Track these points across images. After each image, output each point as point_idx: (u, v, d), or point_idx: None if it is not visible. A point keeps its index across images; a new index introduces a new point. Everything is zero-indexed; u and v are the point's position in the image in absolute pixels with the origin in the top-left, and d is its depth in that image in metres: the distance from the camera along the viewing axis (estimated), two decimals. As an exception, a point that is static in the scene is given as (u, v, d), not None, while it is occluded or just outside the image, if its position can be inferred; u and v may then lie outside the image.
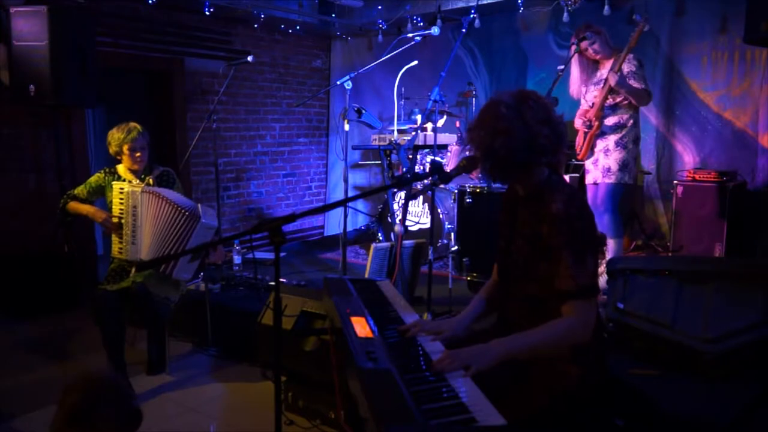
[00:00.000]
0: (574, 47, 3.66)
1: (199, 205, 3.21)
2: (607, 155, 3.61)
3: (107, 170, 3.30)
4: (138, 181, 3.25)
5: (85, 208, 3.21)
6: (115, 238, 3.23)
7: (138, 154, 3.18)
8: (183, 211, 3.11)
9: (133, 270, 3.15)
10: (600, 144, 3.64)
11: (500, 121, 1.66)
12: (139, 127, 3.20)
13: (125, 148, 3.16)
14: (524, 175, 1.75)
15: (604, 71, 3.62)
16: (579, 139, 3.74)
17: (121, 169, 3.28)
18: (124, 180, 3.25)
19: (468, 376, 1.47)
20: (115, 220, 3.17)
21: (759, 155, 4.38)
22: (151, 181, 3.26)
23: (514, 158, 1.66)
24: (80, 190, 3.27)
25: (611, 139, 3.60)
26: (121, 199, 3.18)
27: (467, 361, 1.52)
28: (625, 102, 3.57)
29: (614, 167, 3.58)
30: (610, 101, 3.57)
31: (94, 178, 3.28)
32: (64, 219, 3.30)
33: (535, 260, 1.72)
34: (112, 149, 3.20)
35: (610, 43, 3.65)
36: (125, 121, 3.22)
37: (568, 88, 3.86)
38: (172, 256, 3.13)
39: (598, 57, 3.65)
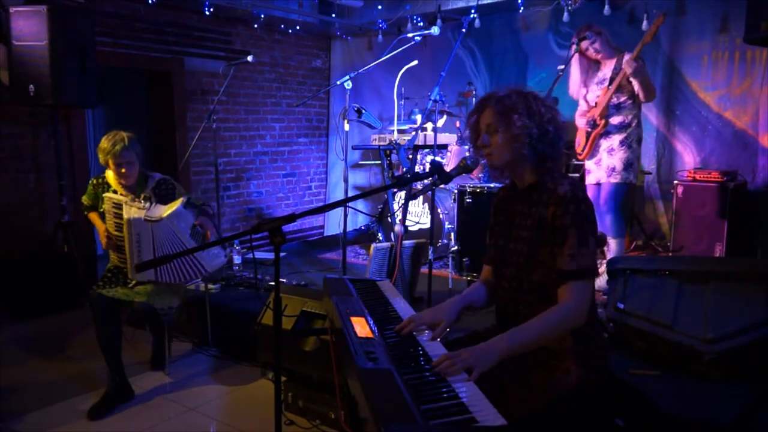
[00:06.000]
0: (574, 47, 3.66)
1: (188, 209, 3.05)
2: (611, 155, 3.61)
3: (96, 181, 3.14)
4: (132, 196, 3.01)
5: (96, 223, 3.17)
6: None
7: (123, 170, 2.93)
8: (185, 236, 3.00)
9: (134, 282, 3.06)
10: (604, 143, 3.64)
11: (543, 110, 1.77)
12: (125, 139, 2.92)
13: (110, 162, 2.94)
14: (542, 164, 1.80)
15: (606, 71, 3.62)
16: (580, 139, 3.74)
17: (110, 177, 3.05)
18: (115, 192, 3.04)
19: (472, 381, 1.45)
20: (108, 239, 3.06)
21: (759, 155, 4.38)
22: (144, 196, 3.04)
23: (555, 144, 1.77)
24: (85, 198, 3.18)
25: (616, 139, 3.60)
26: (117, 217, 3.00)
27: (469, 363, 1.50)
28: (629, 101, 3.57)
29: (619, 167, 3.58)
30: (614, 101, 3.57)
31: (90, 187, 3.15)
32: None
33: (541, 245, 1.73)
34: (101, 160, 2.98)
35: (611, 43, 3.65)
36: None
37: (568, 88, 3.86)
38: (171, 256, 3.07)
39: (598, 57, 3.65)
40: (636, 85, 3.49)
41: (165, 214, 2.94)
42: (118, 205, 2.99)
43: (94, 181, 3.15)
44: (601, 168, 3.65)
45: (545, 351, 1.72)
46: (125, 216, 2.95)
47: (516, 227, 1.84)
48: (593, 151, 3.68)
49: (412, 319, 1.80)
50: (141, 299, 3.02)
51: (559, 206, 1.68)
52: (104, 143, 2.93)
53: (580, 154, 3.77)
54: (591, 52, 3.64)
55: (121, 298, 3.00)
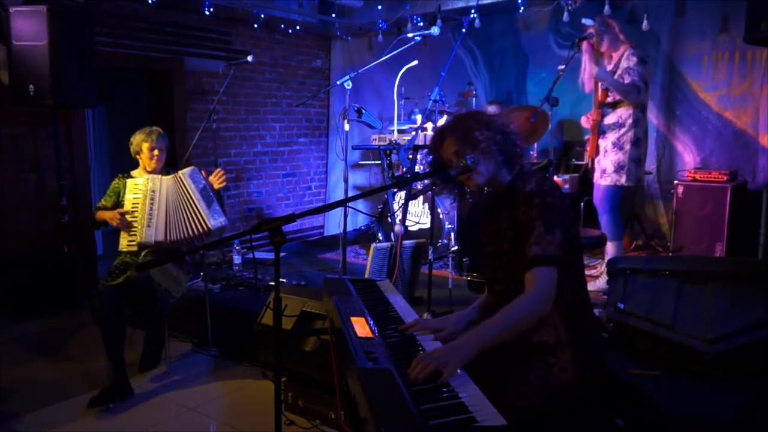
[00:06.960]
0: (574, 48, 3.65)
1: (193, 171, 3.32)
2: (605, 156, 3.60)
3: (121, 175, 3.38)
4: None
5: (106, 215, 3.23)
6: (123, 233, 3.24)
7: (156, 152, 3.29)
8: (194, 189, 3.27)
9: (143, 253, 3.20)
10: (601, 144, 3.63)
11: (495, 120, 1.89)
12: (161, 130, 3.35)
13: (144, 146, 3.27)
14: (513, 164, 1.89)
15: (609, 66, 3.60)
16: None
17: (136, 173, 3.35)
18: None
19: (454, 375, 1.45)
20: (127, 216, 3.21)
21: (759, 155, 4.39)
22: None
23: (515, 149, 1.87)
24: (104, 200, 3.32)
25: (609, 139, 3.58)
26: (137, 190, 3.25)
27: (440, 363, 1.48)
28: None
29: (609, 169, 3.57)
30: (609, 99, 3.56)
31: (112, 184, 3.35)
32: (96, 228, 3.42)
33: (519, 242, 1.77)
34: (133, 149, 3.32)
35: (620, 36, 3.60)
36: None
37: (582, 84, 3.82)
38: (174, 254, 3.20)
39: (604, 50, 3.61)
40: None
41: (180, 173, 3.29)
42: (140, 182, 3.27)
43: (120, 176, 3.39)
44: (599, 168, 3.65)
45: (541, 347, 1.72)
46: (144, 177, 3.26)
47: (502, 231, 1.86)
48: (597, 150, 3.67)
49: (417, 322, 1.81)
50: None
51: (526, 203, 1.74)
52: (140, 134, 3.31)
53: (587, 153, 3.76)
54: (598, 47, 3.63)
55: (128, 275, 3.09)
